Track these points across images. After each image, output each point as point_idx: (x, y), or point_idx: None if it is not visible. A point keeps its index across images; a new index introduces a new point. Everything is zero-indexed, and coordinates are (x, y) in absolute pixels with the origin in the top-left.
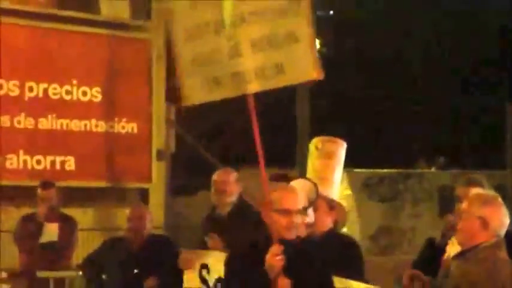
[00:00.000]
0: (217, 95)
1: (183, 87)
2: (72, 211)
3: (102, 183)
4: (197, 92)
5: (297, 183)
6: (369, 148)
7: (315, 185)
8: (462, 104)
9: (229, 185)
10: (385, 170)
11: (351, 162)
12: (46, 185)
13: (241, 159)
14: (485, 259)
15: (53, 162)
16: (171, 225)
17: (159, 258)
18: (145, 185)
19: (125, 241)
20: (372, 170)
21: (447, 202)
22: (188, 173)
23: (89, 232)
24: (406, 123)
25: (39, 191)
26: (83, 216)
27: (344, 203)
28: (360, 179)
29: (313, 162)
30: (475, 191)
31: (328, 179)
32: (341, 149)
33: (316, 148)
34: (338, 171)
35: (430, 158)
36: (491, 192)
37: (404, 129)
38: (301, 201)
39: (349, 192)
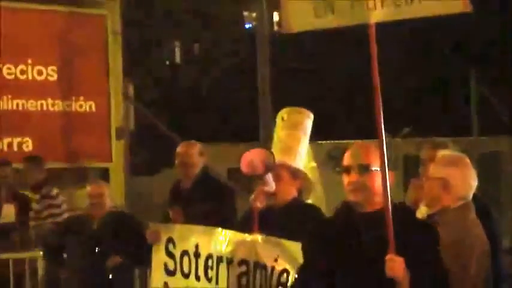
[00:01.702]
0: (327, 23)
1: (287, 11)
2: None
3: (61, 164)
4: (304, 18)
5: (251, 152)
6: (332, 120)
7: (271, 152)
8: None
9: (192, 157)
10: (349, 141)
11: (315, 134)
12: (2, 164)
13: (202, 136)
14: (453, 222)
15: (9, 144)
16: (132, 204)
17: (122, 235)
18: (105, 165)
19: (85, 219)
20: (335, 142)
21: (412, 171)
22: (149, 151)
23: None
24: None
25: None
26: None
27: (311, 176)
28: (323, 151)
29: (278, 133)
30: (442, 152)
31: (292, 149)
32: (307, 119)
33: (282, 119)
34: (304, 142)
35: (394, 128)
36: (457, 153)
37: (369, 100)
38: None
39: (313, 164)
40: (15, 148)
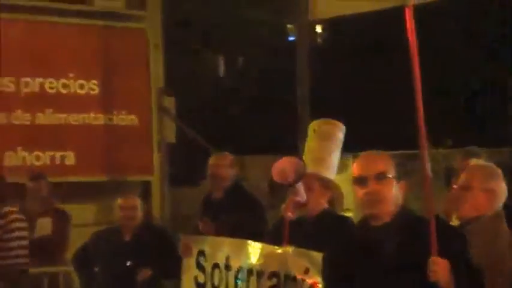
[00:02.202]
0: (361, 6)
1: None
2: (74, 207)
3: (103, 178)
4: (335, 2)
5: (283, 160)
6: (373, 131)
7: (302, 161)
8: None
9: (224, 168)
10: (392, 152)
11: (357, 146)
12: (36, 177)
13: (245, 148)
14: (486, 230)
15: (52, 158)
16: (174, 216)
17: (153, 248)
18: (147, 178)
19: (117, 232)
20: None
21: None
22: (190, 163)
23: (91, 228)
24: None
25: (28, 183)
26: (84, 211)
27: (351, 188)
28: None
29: (309, 144)
30: (474, 162)
31: (324, 160)
32: (338, 131)
33: (314, 131)
34: (335, 153)
35: (438, 140)
36: (491, 164)
37: (410, 111)
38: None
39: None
40: (57, 162)
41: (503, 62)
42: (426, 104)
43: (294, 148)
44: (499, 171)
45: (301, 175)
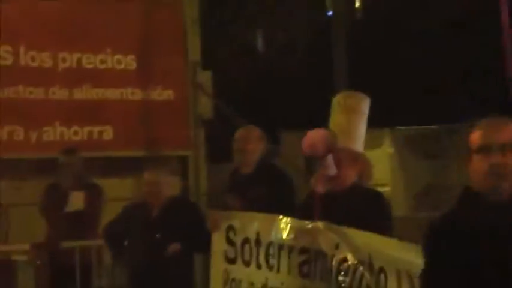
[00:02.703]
0: None
1: None
2: (111, 181)
3: (140, 153)
4: None
5: (313, 132)
6: (411, 105)
7: (334, 133)
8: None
9: (251, 142)
10: (430, 126)
11: (393, 119)
12: (69, 151)
13: (282, 124)
14: None
15: (90, 133)
16: (211, 191)
17: (182, 222)
18: (184, 153)
19: (145, 206)
20: (415, 127)
21: None
22: (227, 139)
23: (128, 202)
24: (452, 80)
25: (62, 158)
26: (122, 186)
27: (388, 162)
28: (402, 137)
29: (334, 117)
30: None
31: (350, 133)
32: (363, 103)
33: (338, 104)
34: (362, 126)
35: (479, 116)
36: None
37: (451, 86)
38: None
39: (392, 150)
40: (95, 137)
41: None
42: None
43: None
44: None
45: (331, 148)
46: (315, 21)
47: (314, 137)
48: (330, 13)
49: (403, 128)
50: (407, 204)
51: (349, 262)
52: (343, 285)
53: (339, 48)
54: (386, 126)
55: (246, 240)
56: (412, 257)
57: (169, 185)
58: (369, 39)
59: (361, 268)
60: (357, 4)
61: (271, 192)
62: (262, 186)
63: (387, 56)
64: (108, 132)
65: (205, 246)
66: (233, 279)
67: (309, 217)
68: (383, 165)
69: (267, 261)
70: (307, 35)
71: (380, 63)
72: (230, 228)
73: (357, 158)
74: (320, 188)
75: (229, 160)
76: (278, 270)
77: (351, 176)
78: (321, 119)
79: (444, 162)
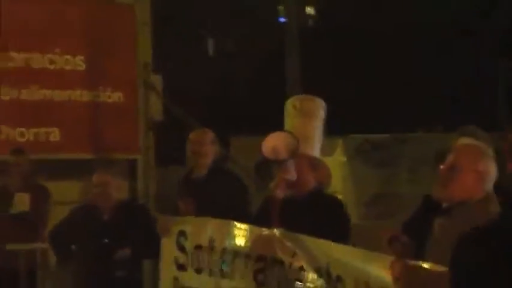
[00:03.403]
0: None
1: None
2: (58, 184)
3: (88, 155)
4: None
5: (275, 135)
6: (363, 113)
7: (295, 137)
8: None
9: (205, 145)
10: (381, 135)
11: (345, 128)
12: (17, 152)
13: (233, 129)
14: (475, 215)
15: (36, 134)
16: (161, 195)
17: (132, 226)
18: (133, 156)
19: (94, 209)
20: (367, 135)
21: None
22: (177, 143)
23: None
24: (404, 90)
25: (10, 158)
26: (69, 189)
27: (339, 170)
28: (354, 145)
29: (291, 122)
30: (462, 140)
31: (309, 138)
32: (320, 108)
33: (294, 107)
34: (319, 131)
35: (428, 126)
36: (480, 143)
37: (402, 96)
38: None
39: (344, 159)
40: (42, 138)
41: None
42: (418, 90)
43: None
44: (490, 150)
45: (293, 152)
46: (267, 27)
47: (276, 140)
48: (283, 19)
49: (354, 136)
50: (357, 212)
51: (307, 271)
52: None
53: (292, 55)
54: (338, 134)
55: (198, 247)
56: (370, 266)
57: (119, 188)
58: (322, 45)
59: (318, 277)
60: (310, 10)
61: (225, 196)
62: (216, 191)
63: (340, 63)
64: (55, 134)
65: (155, 252)
66: (183, 287)
67: (267, 223)
68: (335, 174)
69: (221, 268)
70: (259, 40)
71: (332, 70)
72: (181, 233)
73: (317, 164)
74: (279, 193)
75: (178, 163)
76: (232, 278)
77: (310, 182)
78: (272, 125)
79: (394, 171)
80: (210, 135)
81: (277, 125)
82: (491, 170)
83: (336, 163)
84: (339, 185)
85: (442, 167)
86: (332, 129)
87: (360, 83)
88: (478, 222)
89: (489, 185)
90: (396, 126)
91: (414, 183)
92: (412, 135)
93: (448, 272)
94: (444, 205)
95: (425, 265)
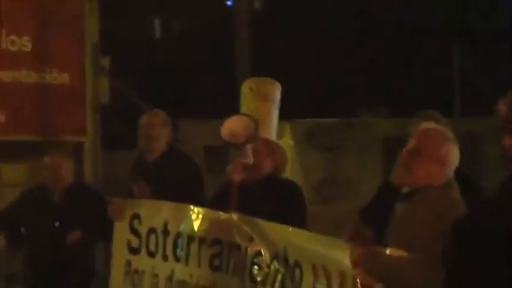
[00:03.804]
0: None
1: None
2: (5, 166)
3: (34, 137)
4: None
5: (233, 118)
6: (310, 97)
7: (254, 120)
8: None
9: (156, 128)
10: (328, 119)
11: (293, 111)
12: None
13: (182, 111)
14: (436, 200)
15: None
16: (108, 179)
17: (83, 210)
18: (80, 139)
19: (45, 191)
20: (315, 119)
21: (392, 152)
22: (125, 125)
23: (22, 188)
24: (349, 72)
25: None
26: (15, 171)
27: (288, 154)
28: (302, 129)
29: (248, 105)
30: (424, 125)
31: (265, 121)
32: (277, 90)
33: (251, 89)
34: (275, 114)
35: (372, 108)
36: (443, 127)
37: (346, 79)
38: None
39: (291, 142)
40: None
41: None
42: (362, 73)
43: (232, 113)
44: (451, 135)
45: (252, 136)
46: (215, 10)
47: (235, 123)
48: (229, 2)
49: (302, 120)
50: (305, 197)
51: (264, 256)
52: (257, 279)
53: (241, 38)
54: (286, 118)
55: (152, 230)
56: (329, 251)
57: (70, 170)
58: (270, 29)
59: (275, 262)
60: None
61: (179, 179)
62: (170, 173)
63: (288, 46)
64: (0, 116)
65: (107, 235)
66: (136, 271)
67: (223, 208)
68: None
69: (175, 252)
70: (206, 24)
71: (281, 54)
72: (135, 216)
73: (274, 148)
74: (236, 177)
75: (126, 147)
76: (186, 263)
77: (267, 166)
78: (221, 109)
79: (340, 155)
80: (160, 117)
81: (225, 108)
82: (454, 155)
83: (285, 147)
84: (287, 169)
85: (404, 151)
86: (280, 113)
87: (308, 66)
88: (440, 208)
89: (451, 170)
90: (342, 110)
91: (361, 167)
92: (358, 119)
93: (407, 257)
94: (404, 190)
95: (386, 250)
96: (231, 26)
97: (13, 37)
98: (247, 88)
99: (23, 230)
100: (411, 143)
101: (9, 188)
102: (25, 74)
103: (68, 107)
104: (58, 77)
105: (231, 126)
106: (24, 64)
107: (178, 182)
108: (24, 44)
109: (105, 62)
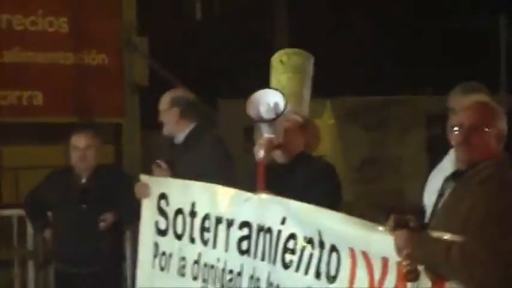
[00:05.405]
0: None
1: None
2: (42, 148)
3: (72, 119)
4: None
5: (260, 93)
6: (353, 75)
7: (283, 95)
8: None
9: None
10: (370, 98)
11: (335, 89)
12: None
13: (221, 92)
14: (490, 178)
15: (19, 98)
16: (146, 159)
17: (111, 191)
18: (118, 120)
19: (72, 173)
20: (356, 98)
21: (435, 130)
22: None
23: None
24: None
25: None
26: (53, 152)
27: (328, 133)
28: (344, 107)
29: (278, 78)
30: (477, 97)
31: (297, 95)
32: (308, 62)
33: (281, 62)
34: (308, 88)
35: (417, 88)
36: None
37: (391, 58)
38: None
39: (332, 121)
40: (24, 102)
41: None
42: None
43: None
44: (502, 109)
45: (280, 111)
46: None
47: (262, 98)
48: None
49: (344, 98)
50: (346, 176)
51: (297, 239)
52: (290, 264)
53: (280, 14)
54: (327, 96)
55: (179, 211)
56: (367, 234)
57: (99, 152)
58: (311, 4)
59: (310, 246)
60: None
61: (205, 160)
62: (196, 156)
63: (329, 23)
64: (38, 98)
65: (135, 217)
66: (163, 253)
67: (252, 188)
68: (323, 137)
69: (202, 235)
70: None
71: (322, 31)
72: (162, 196)
73: (305, 125)
74: (264, 155)
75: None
76: (214, 246)
77: (299, 144)
78: (261, 89)
79: (383, 134)
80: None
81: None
82: (505, 130)
83: (325, 126)
84: (326, 148)
85: (456, 128)
86: (321, 91)
87: (350, 44)
88: (492, 186)
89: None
90: (385, 89)
91: (405, 146)
92: (401, 97)
93: (460, 241)
94: (459, 168)
95: (435, 234)
96: (270, 6)
97: (50, 18)
98: (277, 60)
99: (49, 213)
100: (462, 118)
101: (46, 169)
102: (63, 55)
103: (106, 88)
104: (96, 58)
105: (258, 102)
106: (62, 45)
107: (204, 165)
108: (61, 25)
109: (144, 42)
